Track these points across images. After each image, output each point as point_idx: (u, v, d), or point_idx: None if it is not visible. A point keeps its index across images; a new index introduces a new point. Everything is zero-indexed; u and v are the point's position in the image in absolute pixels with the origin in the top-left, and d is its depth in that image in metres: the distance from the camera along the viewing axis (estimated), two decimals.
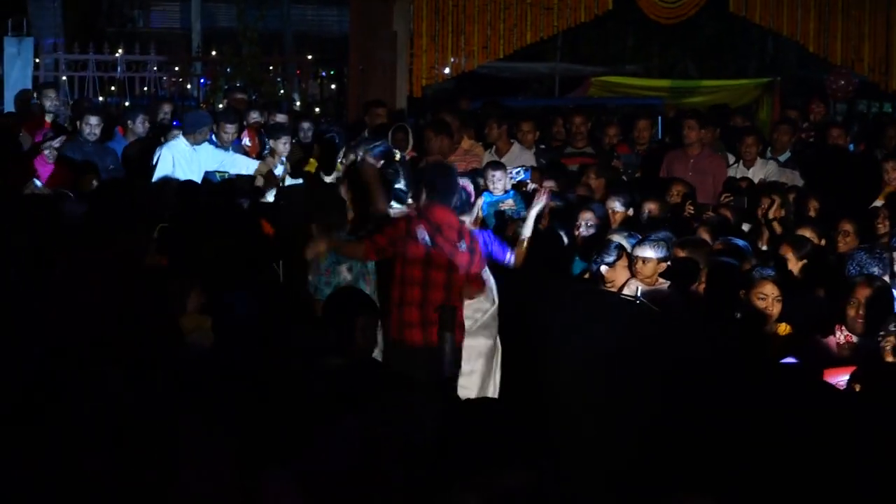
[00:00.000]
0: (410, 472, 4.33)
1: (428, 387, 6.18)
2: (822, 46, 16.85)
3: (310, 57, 18.64)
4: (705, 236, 8.51)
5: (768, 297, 6.96)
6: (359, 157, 9.25)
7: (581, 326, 7.30)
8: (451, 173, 7.94)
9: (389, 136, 11.33)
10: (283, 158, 11.59)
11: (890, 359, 6.00)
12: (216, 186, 10.79)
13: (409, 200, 8.90)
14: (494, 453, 4.33)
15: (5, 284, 6.72)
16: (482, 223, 9.16)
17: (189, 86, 18.46)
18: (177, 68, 18.19)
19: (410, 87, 16.30)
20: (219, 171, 10.96)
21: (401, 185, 8.95)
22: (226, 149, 11.48)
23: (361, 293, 7.01)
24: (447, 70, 17.00)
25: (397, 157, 9.79)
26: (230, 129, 11.57)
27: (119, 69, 17.58)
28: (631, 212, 9.42)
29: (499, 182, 10.00)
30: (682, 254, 7.98)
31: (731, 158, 12.08)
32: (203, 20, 27.15)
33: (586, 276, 8.39)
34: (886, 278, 7.17)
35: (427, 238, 7.55)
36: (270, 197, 10.70)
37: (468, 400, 6.26)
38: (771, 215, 9.24)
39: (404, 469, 4.34)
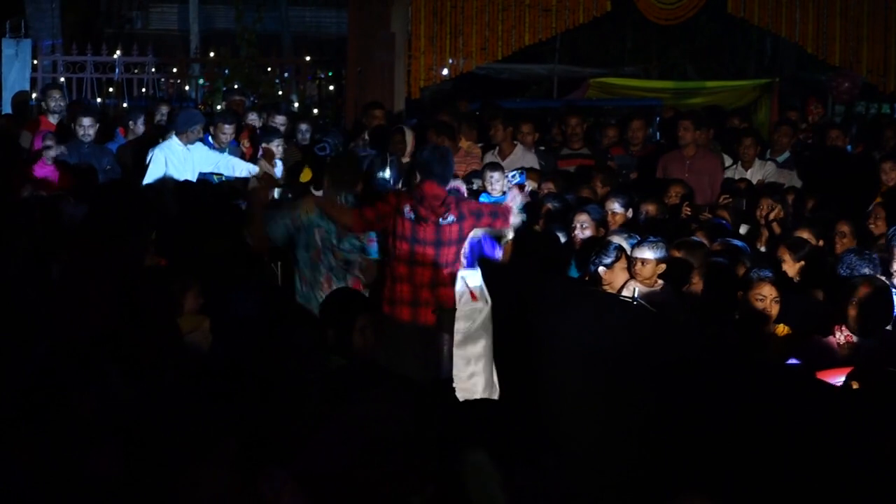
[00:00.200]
0: (410, 471, 4.33)
1: (427, 386, 6.18)
2: (820, 48, 16.86)
3: (308, 58, 18.64)
4: (703, 239, 8.50)
5: (766, 298, 6.95)
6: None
7: (578, 327, 7.29)
8: (446, 157, 7.93)
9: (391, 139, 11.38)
10: (278, 160, 11.60)
11: None
12: (213, 187, 10.79)
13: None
14: (494, 453, 4.33)
15: (6, 284, 6.72)
16: None
17: (187, 87, 18.46)
18: (175, 70, 18.19)
19: (408, 89, 16.31)
20: (215, 174, 10.96)
21: (385, 174, 8.95)
22: (222, 150, 11.48)
23: (360, 294, 7.01)
24: (445, 71, 17.01)
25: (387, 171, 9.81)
26: (228, 129, 11.57)
27: (117, 71, 17.57)
28: (630, 213, 9.41)
29: (497, 183, 10.01)
30: (677, 255, 7.98)
31: (727, 159, 12.08)
32: (201, 22, 27.17)
33: (587, 277, 8.38)
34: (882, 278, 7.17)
35: (412, 213, 7.56)
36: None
37: (468, 400, 6.26)
38: (771, 217, 9.24)
39: (404, 469, 4.34)
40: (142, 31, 30.01)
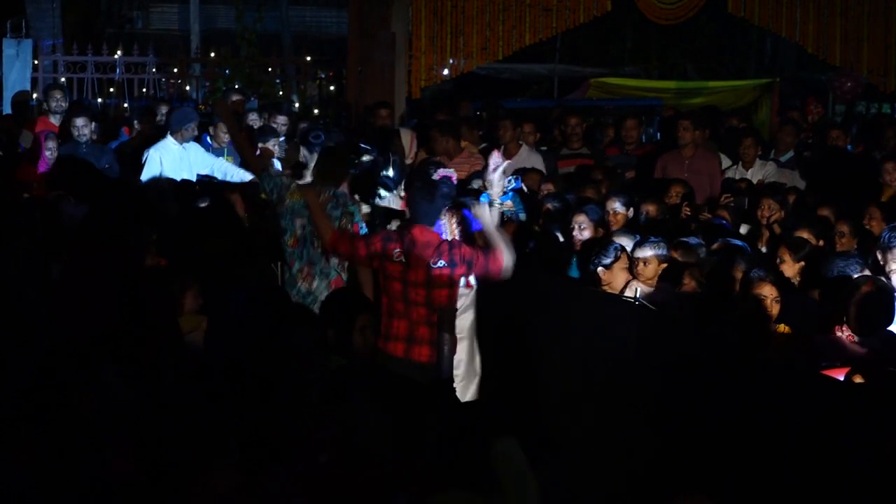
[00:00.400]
0: (411, 470, 4.33)
1: (427, 387, 6.19)
2: (821, 48, 16.86)
3: (308, 58, 18.64)
4: (699, 239, 8.50)
5: (767, 297, 6.95)
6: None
7: (581, 328, 7.29)
8: (433, 193, 7.75)
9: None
10: (275, 159, 11.59)
11: None
12: (213, 187, 10.79)
13: (396, 190, 8.92)
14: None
15: (6, 284, 6.72)
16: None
17: (188, 87, 18.46)
18: (175, 70, 18.19)
19: (409, 89, 16.31)
20: (208, 177, 10.97)
21: (389, 172, 8.95)
22: (221, 149, 11.48)
23: (359, 294, 7.00)
24: (446, 71, 17.01)
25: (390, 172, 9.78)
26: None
27: (118, 71, 17.58)
28: (631, 212, 9.41)
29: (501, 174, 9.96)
30: (675, 256, 7.98)
31: (725, 160, 12.07)
32: (202, 22, 27.17)
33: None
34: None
35: (402, 258, 7.45)
36: None
37: (468, 402, 6.27)
38: (773, 219, 9.24)
39: (404, 468, 4.35)
40: (142, 30, 30.01)
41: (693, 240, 8.18)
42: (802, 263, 7.81)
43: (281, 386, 4.82)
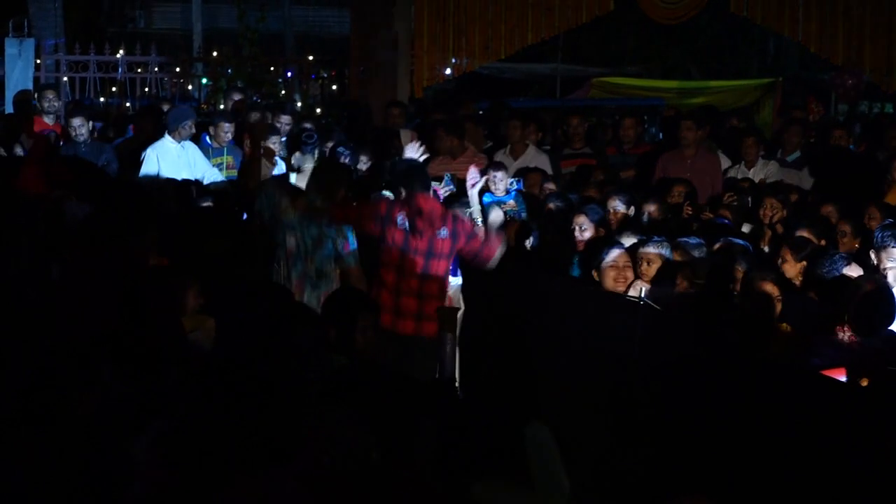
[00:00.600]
0: (414, 470, 4.33)
1: (430, 386, 6.18)
2: (823, 47, 16.85)
3: (311, 58, 18.63)
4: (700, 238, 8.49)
5: (768, 297, 6.95)
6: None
7: (584, 327, 7.29)
8: (422, 168, 7.94)
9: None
10: (278, 158, 11.58)
11: None
12: (214, 187, 10.80)
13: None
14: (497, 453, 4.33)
15: (7, 284, 6.72)
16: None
17: (190, 87, 18.46)
18: (178, 69, 18.19)
19: (411, 88, 16.30)
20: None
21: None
22: (220, 149, 11.48)
23: (361, 292, 7.01)
24: (448, 71, 17.00)
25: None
26: (227, 127, 11.57)
27: (120, 70, 17.58)
28: (632, 211, 9.40)
29: (500, 183, 9.99)
30: (675, 255, 7.97)
31: (724, 159, 12.05)
32: (204, 21, 27.20)
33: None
34: None
35: (406, 223, 7.54)
36: None
37: (470, 401, 6.26)
38: (775, 220, 9.24)
39: (408, 468, 4.34)
40: (145, 30, 30.04)
41: (693, 239, 8.16)
42: (804, 263, 7.80)
43: (283, 385, 4.82)
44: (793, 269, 7.81)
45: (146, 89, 17.68)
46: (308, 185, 8.61)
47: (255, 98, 16.51)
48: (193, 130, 11.31)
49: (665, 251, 7.84)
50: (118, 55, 17.74)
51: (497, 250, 7.74)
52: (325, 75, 19.08)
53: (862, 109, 23.62)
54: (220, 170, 11.45)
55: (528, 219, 9.69)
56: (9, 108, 15.28)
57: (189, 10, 28.17)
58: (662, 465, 5.99)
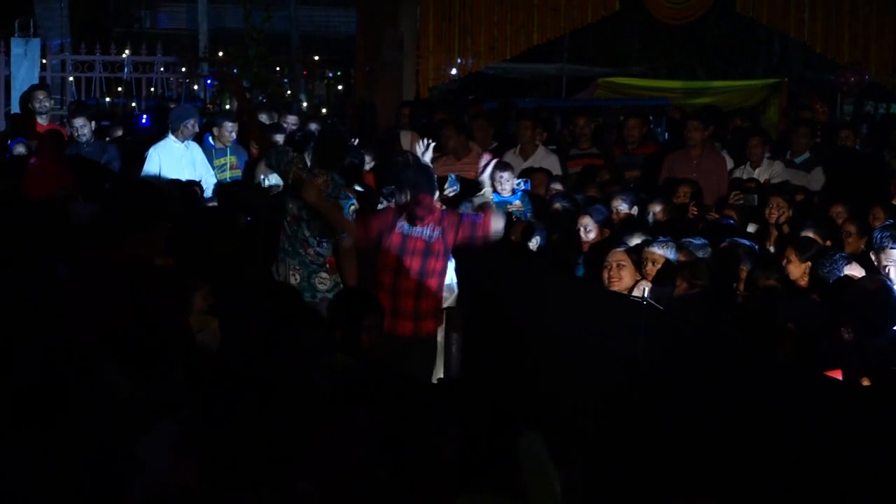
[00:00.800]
0: (419, 470, 4.33)
1: (434, 386, 6.18)
2: (829, 47, 16.84)
3: (316, 58, 18.65)
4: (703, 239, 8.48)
5: (771, 296, 6.95)
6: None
7: (586, 327, 7.28)
8: (430, 173, 8.06)
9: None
10: None
11: None
12: (222, 187, 10.81)
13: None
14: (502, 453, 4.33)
15: (11, 284, 6.73)
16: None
17: (196, 87, 18.47)
18: (183, 69, 18.21)
19: (417, 89, 16.30)
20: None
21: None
22: (224, 149, 11.48)
23: (366, 293, 7.01)
24: (454, 71, 17.00)
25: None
26: (230, 126, 11.58)
27: (126, 70, 17.60)
28: (636, 211, 9.40)
29: (506, 183, 9.97)
30: (680, 256, 7.97)
31: (728, 159, 12.03)
32: (210, 21, 27.19)
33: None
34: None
35: (405, 226, 7.65)
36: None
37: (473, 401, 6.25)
38: (782, 220, 9.23)
39: (414, 467, 4.34)
40: (150, 30, 30.05)
41: (698, 240, 8.16)
42: (809, 264, 7.80)
43: (289, 385, 4.82)
44: (798, 269, 7.80)
45: (152, 89, 17.70)
46: (312, 160, 8.79)
47: (260, 98, 16.53)
48: (196, 129, 11.32)
49: (670, 251, 7.83)
50: (124, 55, 17.76)
51: (493, 222, 7.87)
52: (331, 75, 19.09)
53: (868, 110, 23.59)
54: (224, 170, 11.45)
55: (533, 219, 9.67)
56: (15, 108, 15.30)
57: (195, 10, 28.16)
58: (665, 466, 5.99)
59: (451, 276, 8.48)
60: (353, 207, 8.60)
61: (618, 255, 7.94)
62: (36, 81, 16.34)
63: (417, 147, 9.02)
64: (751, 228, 9.62)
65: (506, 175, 10.02)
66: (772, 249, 8.98)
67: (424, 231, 7.78)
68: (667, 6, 16.79)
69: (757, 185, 10.98)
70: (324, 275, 8.68)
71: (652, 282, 7.68)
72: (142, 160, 11.16)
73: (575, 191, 10.50)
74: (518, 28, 16.44)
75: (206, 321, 7.31)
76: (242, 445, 4.31)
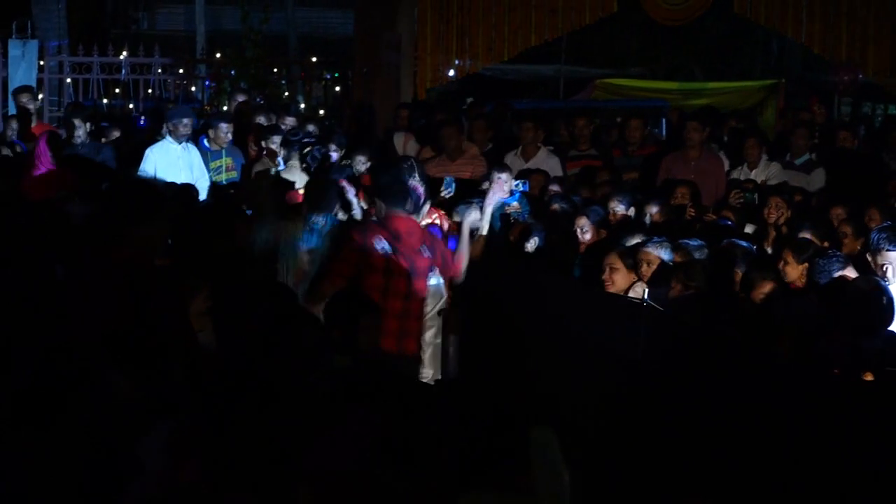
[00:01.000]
0: (419, 470, 4.33)
1: (432, 386, 6.19)
2: (827, 48, 16.85)
3: (314, 59, 18.65)
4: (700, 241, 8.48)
5: (768, 297, 6.95)
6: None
7: (585, 329, 7.30)
8: (399, 176, 7.75)
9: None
10: (280, 159, 11.59)
11: None
12: (218, 189, 10.81)
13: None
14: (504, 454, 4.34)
15: (10, 285, 6.72)
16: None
17: (193, 88, 18.48)
18: (181, 70, 18.22)
19: (415, 90, 16.31)
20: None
21: (416, 179, 8.97)
22: (219, 151, 11.49)
23: (363, 295, 7.00)
24: (452, 72, 17.01)
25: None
26: (224, 127, 11.56)
27: (123, 71, 17.61)
28: (632, 212, 9.40)
29: (504, 185, 9.96)
30: (676, 257, 7.97)
31: (725, 159, 12.03)
32: (207, 22, 27.23)
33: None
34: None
35: (387, 246, 7.42)
36: None
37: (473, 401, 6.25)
38: (781, 221, 9.24)
39: (414, 467, 4.34)
40: (148, 31, 30.07)
41: (695, 241, 8.16)
42: (807, 265, 7.80)
43: (287, 386, 4.82)
44: (795, 271, 7.79)
45: (149, 91, 17.71)
46: (304, 205, 8.80)
47: (258, 100, 16.54)
48: (189, 130, 11.30)
49: (664, 252, 7.83)
50: (121, 56, 17.77)
51: (462, 267, 7.81)
52: (329, 77, 19.09)
53: (865, 111, 23.61)
54: (220, 172, 11.44)
55: (531, 220, 9.68)
56: (12, 110, 15.31)
57: (192, 11, 28.19)
58: (665, 467, 5.99)
59: (437, 279, 8.46)
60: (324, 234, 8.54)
61: (609, 259, 7.95)
62: (33, 83, 16.35)
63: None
64: (748, 229, 9.62)
65: (503, 176, 10.01)
66: (769, 250, 8.99)
67: (409, 252, 7.53)
68: (664, 7, 16.80)
69: (754, 185, 10.98)
70: None
71: (648, 283, 7.68)
72: (138, 161, 11.17)
73: (572, 192, 10.51)
74: (516, 29, 16.44)
75: (206, 321, 7.29)
76: (242, 445, 4.31)
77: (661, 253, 7.83)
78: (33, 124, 12.97)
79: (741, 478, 5.48)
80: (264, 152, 11.67)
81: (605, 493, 6.36)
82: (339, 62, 19.21)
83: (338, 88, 18.94)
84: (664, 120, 16.56)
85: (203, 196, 10.82)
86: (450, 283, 8.24)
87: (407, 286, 7.34)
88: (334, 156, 10.74)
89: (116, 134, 13.55)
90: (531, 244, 9.06)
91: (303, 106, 18.30)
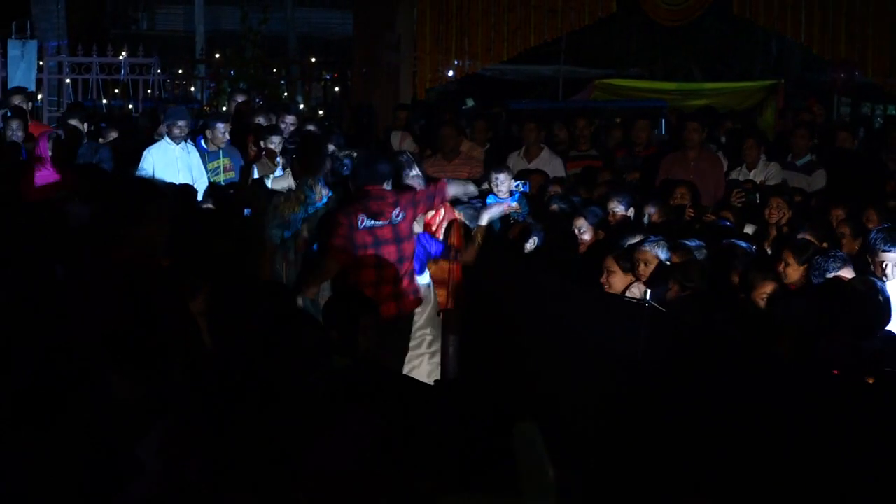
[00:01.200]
0: (418, 470, 4.33)
1: (431, 386, 6.19)
2: (826, 49, 16.84)
3: (313, 60, 18.65)
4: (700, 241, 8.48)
5: (767, 297, 6.95)
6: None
7: (586, 329, 7.29)
8: (369, 160, 8.30)
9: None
10: (279, 159, 11.59)
11: None
12: (217, 190, 10.80)
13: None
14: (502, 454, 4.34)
15: (10, 286, 6.73)
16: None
17: (192, 88, 18.48)
18: (180, 71, 18.21)
19: (414, 90, 16.31)
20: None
21: (415, 171, 9.00)
22: (217, 151, 11.48)
23: (363, 295, 7.01)
24: (451, 73, 17.01)
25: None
26: (221, 127, 11.54)
27: (122, 72, 17.60)
28: (632, 212, 9.39)
29: (503, 185, 9.96)
30: (675, 258, 7.96)
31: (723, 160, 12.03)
32: (206, 23, 27.22)
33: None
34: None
35: (367, 220, 7.81)
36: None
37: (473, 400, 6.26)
38: (783, 221, 9.24)
39: (411, 467, 4.35)
40: (147, 32, 30.08)
41: (693, 242, 8.16)
42: (806, 265, 7.80)
43: (286, 387, 4.82)
44: (795, 272, 7.79)
45: (149, 91, 17.71)
46: (294, 168, 9.14)
47: (257, 100, 16.54)
48: (185, 132, 11.30)
49: (661, 251, 7.83)
50: (121, 57, 17.76)
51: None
52: (328, 77, 19.10)
53: (864, 112, 23.61)
54: (217, 173, 11.43)
55: (530, 220, 9.67)
56: None
57: (192, 11, 28.18)
58: (665, 467, 5.99)
59: (426, 278, 8.50)
60: (321, 203, 8.65)
61: (606, 263, 7.95)
62: (33, 83, 16.37)
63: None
64: (748, 229, 9.62)
65: (502, 176, 10.01)
66: (770, 251, 8.98)
67: (388, 218, 7.96)
68: (664, 7, 16.80)
69: (754, 186, 10.98)
70: None
71: (646, 283, 7.68)
72: (137, 161, 11.17)
73: (572, 192, 10.51)
74: (515, 30, 16.44)
75: (206, 322, 7.29)
76: (242, 445, 4.31)
77: (658, 252, 7.82)
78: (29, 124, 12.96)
79: (741, 478, 5.48)
80: (264, 152, 11.65)
81: (605, 493, 6.36)
82: (339, 62, 19.23)
83: (337, 89, 18.95)
84: (663, 120, 16.56)
85: (201, 197, 10.83)
86: (448, 283, 8.30)
87: (396, 251, 7.77)
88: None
89: (114, 135, 13.55)
90: (530, 244, 9.05)
91: (302, 106, 18.30)
